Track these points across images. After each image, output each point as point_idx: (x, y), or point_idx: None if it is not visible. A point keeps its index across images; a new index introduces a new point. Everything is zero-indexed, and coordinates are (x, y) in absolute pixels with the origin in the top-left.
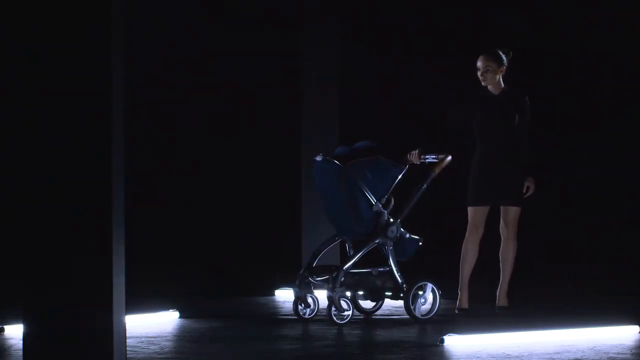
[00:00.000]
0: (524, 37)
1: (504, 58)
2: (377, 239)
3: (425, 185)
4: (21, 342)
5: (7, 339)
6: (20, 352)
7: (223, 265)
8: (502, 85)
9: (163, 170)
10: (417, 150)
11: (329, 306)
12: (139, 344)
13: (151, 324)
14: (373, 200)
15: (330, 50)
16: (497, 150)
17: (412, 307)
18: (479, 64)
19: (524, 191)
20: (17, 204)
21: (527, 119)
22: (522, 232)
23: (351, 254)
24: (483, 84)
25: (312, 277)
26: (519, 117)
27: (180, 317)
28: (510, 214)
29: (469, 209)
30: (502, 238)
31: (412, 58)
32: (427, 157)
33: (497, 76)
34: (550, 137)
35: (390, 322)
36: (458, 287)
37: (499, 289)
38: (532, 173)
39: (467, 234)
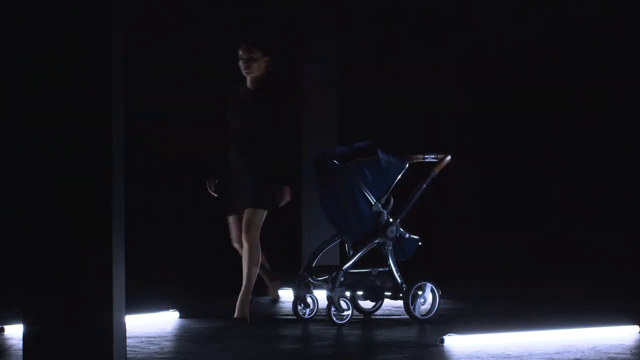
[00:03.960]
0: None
1: (269, 48)
2: (376, 239)
3: (424, 185)
4: (21, 342)
5: (7, 339)
6: (20, 352)
7: (223, 265)
8: (264, 79)
9: (163, 169)
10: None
11: (329, 306)
12: (139, 344)
13: (151, 324)
14: (373, 200)
15: (330, 50)
16: (239, 153)
17: (411, 307)
18: (241, 53)
19: (278, 202)
20: (17, 204)
21: (273, 118)
22: (524, 231)
23: (351, 254)
24: (246, 74)
25: (312, 277)
26: (265, 117)
27: (180, 317)
28: (247, 216)
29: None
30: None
31: (412, 57)
32: (426, 156)
33: (262, 67)
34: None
35: (390, 322)
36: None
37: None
38: (283, 180)
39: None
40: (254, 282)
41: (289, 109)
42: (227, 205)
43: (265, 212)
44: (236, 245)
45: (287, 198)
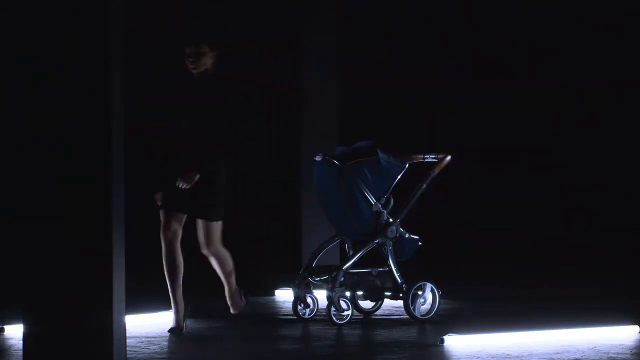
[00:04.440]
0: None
1: (216, 43)
2: (376, 239)
3: (424, 185)
4: (21, 342)
5: (7, 339)
6: (20, 352)
7: None
8: (210, 74)
9: (163, 169)
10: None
11: (329, 306)
12: (139, 344)
13: (151, 324)
14: (373, 200)
15: (330, 50)
16: (182, 156)
17: (411, 307)
18: (188, 49)
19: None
20: (17, 204)
21: (224, 109)
22: (524, 231)
23: (351, 254)
24: (193, 70)
25: (312, 277)
26: (213, 108)
27: None
28: (204, 230)
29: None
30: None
31: (412, 57)
32: (426, 156)
33: (209, 63)
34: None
35: (390, 322)
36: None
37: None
38: (202, 164)
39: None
40: (234, 276)
41: (235, 102)
42: (164, 202)
43: (221, 221)
44: (163, 240)
45: (184, 182)
